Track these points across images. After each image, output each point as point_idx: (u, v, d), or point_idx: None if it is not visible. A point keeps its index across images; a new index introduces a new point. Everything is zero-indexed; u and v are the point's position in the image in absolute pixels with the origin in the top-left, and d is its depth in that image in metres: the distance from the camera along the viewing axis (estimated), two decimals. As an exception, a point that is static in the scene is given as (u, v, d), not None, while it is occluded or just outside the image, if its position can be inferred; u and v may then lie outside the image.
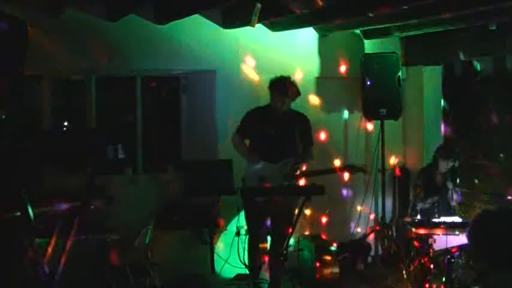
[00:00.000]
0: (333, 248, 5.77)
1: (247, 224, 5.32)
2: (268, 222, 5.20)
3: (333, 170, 5.33)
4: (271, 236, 5.27)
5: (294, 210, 5.14)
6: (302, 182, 5.56)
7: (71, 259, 4.30)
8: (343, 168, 5.36)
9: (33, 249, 4.08)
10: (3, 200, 3.73)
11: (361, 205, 6.56)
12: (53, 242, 4.28)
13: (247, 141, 5.40)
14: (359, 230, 6.63)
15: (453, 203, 5.65)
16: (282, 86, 5.19)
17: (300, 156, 5.28)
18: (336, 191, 6.41)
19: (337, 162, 6.44)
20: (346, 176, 6.52)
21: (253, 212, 5.20)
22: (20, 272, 4.02)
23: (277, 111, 5.23)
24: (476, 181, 6.30)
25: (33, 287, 4.15)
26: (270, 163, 5.14)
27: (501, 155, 6.18)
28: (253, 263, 5.36)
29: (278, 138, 5.22)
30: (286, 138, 5.23)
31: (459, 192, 5.66)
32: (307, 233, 6.22)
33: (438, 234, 4.97)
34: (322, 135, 6.42)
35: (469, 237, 2.43)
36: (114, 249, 5.06)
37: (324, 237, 6.10)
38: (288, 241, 4.99)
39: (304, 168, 5.40)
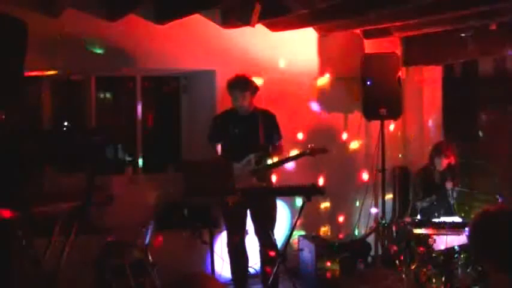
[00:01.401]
0: (333, 248, 5.76)
1: (226, 229, 5.35)
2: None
3: (295, 157, 5.29)
4: (257, 237, 5.29)
5: (274, 206, 5.24)
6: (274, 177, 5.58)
7: (71, 259, 4.30)
8: (304, 153, 5.31)
9: (33, 249, 4.08)
10: (3, 199, 3.73)
11: (361, 205, 6.56)
12: (53, 242, 4.28)
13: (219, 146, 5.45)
14: (359, 230, 6.64)
15: (452, 201, 5.65)
16: (241, 83, 5.18)
17: (267, 152, 5.26)
18: (336, 191, 6.40)
19: (336, 162, 6.47)
20: (346, 175, 6.55)
21: (230, 215, 5.25)
22: (20, 272, 4.02)
23: (241, 110, 5.24)
24: (476, 181, 6.30)
25: (33, 287, 4.15)
26: (236, 163, 5.12)
27: (501, 155, 6.18)
28: (237, 273, 5.38)
29: (241, 138, 5.23)
30: (250, 137, 5.21)
31: (457, 191, 5.66)
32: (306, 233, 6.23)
33: (438, 234, 4.98)
34: (322, 135, 6.42)
35: (469, 237, 2.43)
36: (114, 249, 5.06)
37: (324, 237, 6.11)
38: (289, 240, 5.00)
39: (270, 161, 5.33)
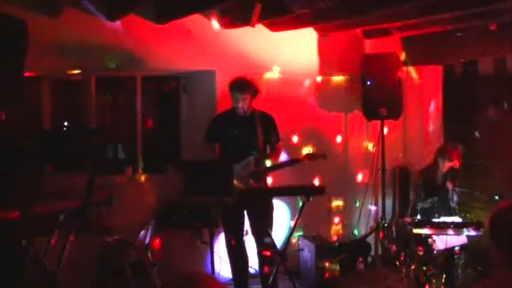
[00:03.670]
0: (333, 248, 5.77)
1: (224, 230, 5.35)
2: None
3: (294, 161, 5.31)
4: (254, 237, 5.29)
5: (270, 207, 5.23)
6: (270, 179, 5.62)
7: (71, 259, 4.30)
8: (304, 158, 5.32)
9: (33, 249, 4.08)
10: (3, 199, 3.73)
11: (361, 205, 6.56)
12: (53, 241, 4.28)
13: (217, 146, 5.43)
14: (359, 230, 6.64)
15: (453, 204, 5.65)
16: (242, 85, 5.18)
17: (265, 153, 5.26)
18: (336, 191, 6.41)
19: (336, 162, 6.47)
20: (346, 175, 6.55)
21: (228, 216, 5.25)
22: (20, 272, 4.02)
23: (240, 112, 5.23)
24: (476, 181, 6.30)
25: (33, 287, 4.15)
26: (234, 164, 5.09)
27: (501, 155, 6.18)
28: (237, 273, 5.39)
29: (241, 139, 5.23)
30: (249, 138, 5.21)
31: (458, 193, 5.66)
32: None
33: (438, 234, 4.98)
34: (322, 135, 6.42)
35: (490, 222, 2.38)
36: (114, 249, 5.06)
37: (324, 237, 6.11)
38: (289, 240, 5.00)
39: (269, 164, 5.33)
